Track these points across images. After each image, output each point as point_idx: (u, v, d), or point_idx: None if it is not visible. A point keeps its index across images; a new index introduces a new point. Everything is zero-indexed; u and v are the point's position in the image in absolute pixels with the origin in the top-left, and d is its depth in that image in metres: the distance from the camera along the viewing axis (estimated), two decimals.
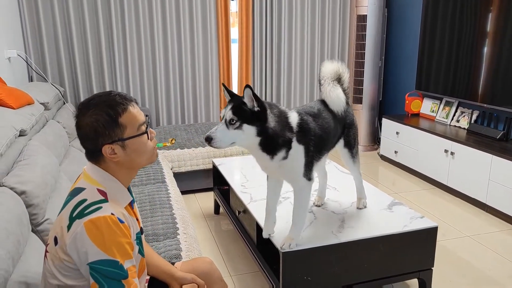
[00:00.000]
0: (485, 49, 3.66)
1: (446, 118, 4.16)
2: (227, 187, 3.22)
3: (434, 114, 4.33)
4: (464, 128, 3.92)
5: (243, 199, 2.51)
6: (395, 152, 4.41)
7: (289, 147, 1.78)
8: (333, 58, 5.07)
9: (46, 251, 1.27)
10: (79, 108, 1.26)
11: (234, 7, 4.79)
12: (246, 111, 1.66)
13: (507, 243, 2.90)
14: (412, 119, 4.41)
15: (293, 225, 1.95)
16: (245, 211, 2.54)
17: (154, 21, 4.40)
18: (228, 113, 1.65)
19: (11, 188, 1.80)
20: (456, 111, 4.10)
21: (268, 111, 1.72)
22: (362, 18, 4.79)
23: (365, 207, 2.31)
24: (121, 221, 1.19)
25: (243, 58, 4.79)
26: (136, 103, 1.30)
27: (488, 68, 3.64)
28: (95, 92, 4.36)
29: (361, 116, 4.95)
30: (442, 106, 4.25)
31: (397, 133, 4.33)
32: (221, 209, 3.37)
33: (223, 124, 1.66)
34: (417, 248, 2.16)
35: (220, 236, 3.03)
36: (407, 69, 4.79)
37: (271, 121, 1.71)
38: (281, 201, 2.46)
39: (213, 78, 4.76)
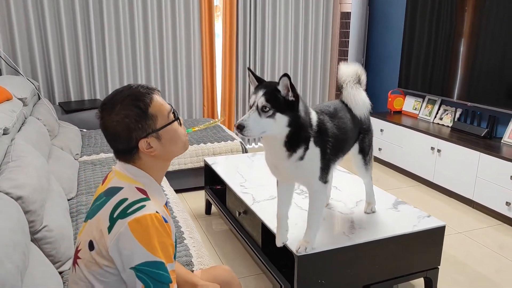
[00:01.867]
0: (467, 48, 3.73)
1: (429, 116, 4.23)
2: (220, 187, 3.13)
3: (416, 112, 4.39)
4: (448, 126, 4.00)
5: (245, 200, 2.43)
6: (379, 149, 4.44)
7: (307, 147, 1.70)
8: (316, 54, 5.05)
9: (77, 258, 1.16)
10: (102, 108, 1.17)
11: (217, 0, 4.67)
12: (279, 99, 1.58)
13: (498, 239, 2.97)
14: (395, 116, 4.46)
15: (308, 228, 1.89)
16: (246, 212, 2.46)
17: (135, 14, 4.20)
18: (261, 100, 1.56)
19: (7, 194, 1.64)
20: (439, 109, 4.17)
21: (301, 100, 1.66)
22: (345, 15, 4.79)
23: (373, 212, 2.27)
24: (166, 221, 1.12)
25: (226, 53, 4.68)
26: (159, 91, 1.23)
27: (471, 66, 3.72)
28: (71, 87, 4.12)
29: None
30: (425, 104, 4.32)
31: (381, 130, 4.36)
32: (213, 209, 3.27)
33: (255, 111, 1.56)
34: (426, 247, 2.16)
35: (214, 237, 2.94)
36: (390, 66, 4.84)
37: (302, 111, 1.65)
38: None
39: (196, 73, 4.63)
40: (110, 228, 1.08)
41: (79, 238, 1.21)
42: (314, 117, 1.75)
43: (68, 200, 2.45)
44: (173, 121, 1.20)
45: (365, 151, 2.14)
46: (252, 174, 2.83)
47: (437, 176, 3.74)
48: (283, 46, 4.91)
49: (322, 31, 5.02)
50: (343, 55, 4.87)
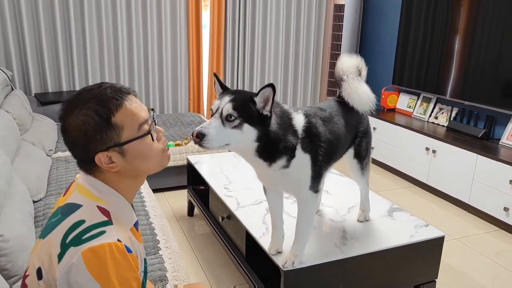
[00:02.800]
0: (464, 45, 3.57)
1: (424, 114, 4.07)
2: (203, 187, 2.94)
3: (411, 110, 4.23)
4: (443, 126, 3.85)
5: (229, 204, 2.24)
6: (372, 148, 4.27)
7: (291, 155, 1.51)
8: (308, 48, 4.85)
9: (24, 285, 0.97)
10: (63, 107, 0.97)
11: None
12: (251, 110, 1.37)
13: (495, 246, 2.82)
14: (388, 114, 4.30)
15: (296, 241, 1.71)
16: (230, 217, 2.28)
17: (117, 1, 3.96)
18: (227, 107, 1.34)
19: None
20: (434, 107, 4.01)
21: (273, 116, 1.44)
22: (339, 8, 4.59)
23: (367, 220, 2.10)
24: (129, 251, 0.92)
25: (214, 45, 4.46)
26: (135, 95, 1.01)
27: (468, 64, 3.56)
28: (48, 78, 3.88)
29: None
30: (419, 102, 4.16)
31: (374, 128, 4.20)
32: (196, 211, 3.08)
33: (217, 118, 1.34)
34: (423, 259, 2.00)
35: (196, 240, 2.75)
36: (384, 62, 4.67)
37: (273, 124, 1.43)
38: None
39: (182, 65, 4.41)
40: (60, 256, 0.89)
41: (30, 258, 1.02)
42: (300, 121, 1.55)
43: (35, 202, 2.24)
44: (142, 136, 0.99)
45: (361, 156, 1.96)
46: (237, 176, 2.64)
47: (431, 177, 3.59)
48: (274, 38, 4.70)
49: (314, 24, 4.82)
50: (336, 50, 4.68)
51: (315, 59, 4.94)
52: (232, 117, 1.34)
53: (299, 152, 1.52)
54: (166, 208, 3.17)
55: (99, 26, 3.98)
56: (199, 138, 1.30)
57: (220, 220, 2.36)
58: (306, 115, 1.58)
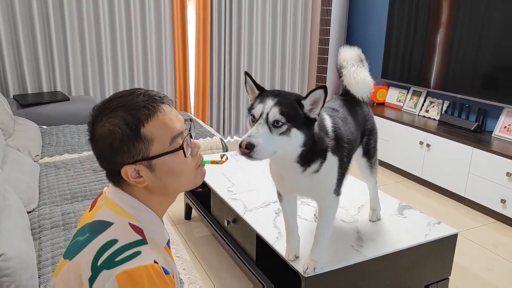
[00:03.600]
0: (454, 38, 3.58)
1: (414, 108, 4.08)
2: (201, 189, 2.85)
3: (401, 104, 4.24)
4: (435, 119, 3.86)
5: (235, 208, 2.16)
6: None
7: (324, 158, 1.44)
8: (295, 43, 4.79)
9: None
10: (93, 114, 0.89)
11: None
12: (299, 114, 1.26)
13: (493, 238, 2.85)
14: (378, 108, 4.29)
15: (316, 245, 1.65)
16: (236, 220, 2.20)
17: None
18: (273, 112, 1.22)
19: None
20: (424, 101, 4.02)
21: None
22: (326, 2, 4.54)
23: (378, 219, 2.06)
24: (166, 272, 0.84)
25: (200, 41, 4.34)
26: (170, 104, 0.91)
27: (459, 57, 3.58)
28: (27, 78, 3.68)
29: None
30: (409, 95, 4.16)
31: None
32: (193, 214, 2.98)
33: (264, 125, 1.22)
34: (437, 257, 1.97)
35: (196, 244, 2.66)
36: (372, 56, 4.64)
37: (316, 125, 1.36)
38: (280, 209, 2.14)
39: (167, 63, 4.27)
40: (92, 280, 0.80)
41: (53, 280, 0.92)
42: (329, 123, 1.49)
43: (29, 212, 2.10)
44: (174, 151, 0.89)
45: (370, 154, 1.91)
46: (239, 177, 2.55)
47: (426, 171, 3.60)
48: (260, 33, 4.61)
49: (301, 18, 4.75)
50: (324, 44, 4.63)
51: (302, 53, 4.88)
52: (280, 122, 1.23)
53: (329, 155, 1.45)
54: None
55: (80, 23, 3.80)
56: (248, 149, 1.18)
57: (226, 224, 2.27)
58: (330, 116, 1.52)
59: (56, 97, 3.61)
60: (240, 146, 1.19)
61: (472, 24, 3.45)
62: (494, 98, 3.34)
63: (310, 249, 1.67)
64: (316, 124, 1.34)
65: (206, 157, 1.02)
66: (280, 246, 1.80)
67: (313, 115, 1.29)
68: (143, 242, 0.85)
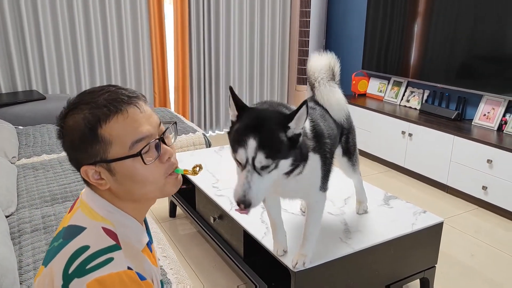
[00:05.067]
0: (432, 27, 3.61)
1: (395, 98, 4.10)
2: (186, 186, 2.80)
3: (382, 94, 4.26)
4: (415, 108, 3.89)
5: (221, 204, 2.13)
6: None
7: (305, 160, 1.36)
8: (273, 36, 4.76)
9: None
10: (63, 109, 0.86)
11: None
12: (283, 143, 1.15)
13: (477, 225, 2.89)
14: (359, 99, 4.30)
15: (305, 240, 1.63)
16: (222, 217, 2.17)
17: None
18: (258, 159, 1.12)
19: None
20: (405, 91, 4.05)
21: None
22: None
23: (366, 212, 2.04)
24: (142, 278, 0.80)
25: (178, 35, 4.27)
26: (138, 106, 0.85)
27: (439, 47, 3.61)
28: (0, 78, 3.55)
29: (306, 97, 4.74)
30: (390, 86, 4.19)
31: None
32: (178, 211, 2.94)
33: (253, 172, 1.13)
34: (424, 246, 1.99)
35: (182, 242, 2.62)
36: (352, 48, 4.66)
37: (300, 137, 1.25)
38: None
39: (145, 57, 4.20)
40: None
41: (35, 285, 0.88)
42: (307, 123, 1.42)
43: (7, 216, 2.03)
44: (131, 156, 0.82)
45: (350, 152, 1.88)
46: (223, 173, 2.52)
47: (408, 161, 3.63)
48: (238, 25, 4.56)
49: (279, 9, 4.72)
50: (304, 36, 4.61)
51: (281, 45, 4.86)
52: (268, 165, 1.14)
53: (310, 155, 1.41)
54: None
55: (54, 18, 3.68)
56: (246, 205, 1.11)
57: (212, 221, 2.24)
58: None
59: (31, 96, 3.51)
60: (238, 204, 1.13)
61: (450, 13, 3.48)
62: (473, 86, 3.38)
63: (300, 244, 1.65)
64: (300, 137, 1.24)
65: (182, 166, 0.94)
66: (268, 242, 1.78)
67: (297, 131, 1.20)
68: (116, 247, 0.80)
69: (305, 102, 1.14)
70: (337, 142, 1.76)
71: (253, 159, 1.12)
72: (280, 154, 1.15)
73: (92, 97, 0.83)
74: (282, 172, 1.22)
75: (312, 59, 1.76)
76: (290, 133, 1.17)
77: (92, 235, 0.81)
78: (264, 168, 1.14)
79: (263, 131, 1.13)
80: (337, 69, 1.80)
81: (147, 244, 0.92)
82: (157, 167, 0.85)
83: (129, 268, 0.78)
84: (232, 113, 1.22)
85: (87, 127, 0.80)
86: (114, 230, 0.83)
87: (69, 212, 0.92)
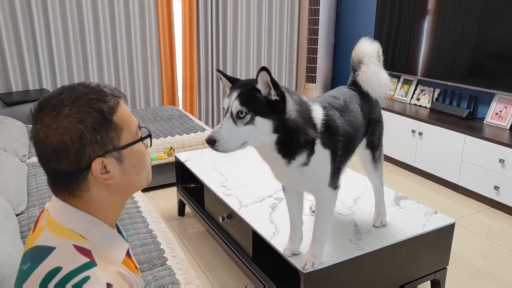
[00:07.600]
0: (444, 26, 3.56)
1: (405, 97, 4.06)
2: (195, 185, 2.81)
3: (391, 93, 4.22)
4: (426, 107, 3.85)
5: (230, 204, 2.12)
6: None
7: (311, 151, 1.40)
8: (281, 34, 4.73)
9: None
10: (40, 107, 0.78)
11: None
12: (259, 100, 1.28)
13: (487, 225, 2.85)
14: None
15: (314, 241, 1.62)
16: (231, 216, 2.16)
17: None
18: (235, 104, 1.26)
19: None
20: (415, 89, 4.01)
21: (288, 98, 1.33)
22: None
23: (383, 225, 1.92)
24: None
25: (186, 33, 4.26)
26: (125, 98, 0.87)
27: (450, 45, 3.56)
28: (11, 76, 3.58)
29: (315, 96, 4.71)
30: (400, 84, 4.15)
31: None
32: (187, 210, 2.94)
33: (229, 119, 1.27)
34: (435, 247, 1.96)
35: (190, 242, 2.62)
36: None
37: (292, 111, 1.33)
38: (276, 203, 2.12)
39: (154, 56, 4.19)
40: None
41: None
42: (318, 114, 1.44)
43: (17, 215, 2.04)
44: (143, 138, 0.87)
45: (374, 146, 1.86)
46: (233, 172, 2.51)
47: (418, 160, 3.59)
48: (245, 22, 4.54)
49: (287, 6, 4.69)
50: (313, 34, 4.58)
51: (289, 43, 4.84)
52: (243, 113, 1.26)
53: (318, 147, 1.42)
54: (154, 209, 3.00)
55: (64, 17, 3.70)
56: (211, 144, 1.24)
57: (220, 220, 2.24)
58: (324, 107, 1.48)
59: (42, 95, 3.52)
60: (206, 141, 1.25)
61: (460, 10, 3.43)
62: (485, 85, 3.33)
63: (309, 244, 1.64)
64: (291, 108, 1.33)
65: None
66: (277, 242, 1.77)
67: (273, 97, 1.28)
68: (91, 264, 0.76)
69: (262, 68, 1.25)
70: (359, 137, 1.72)
71: (231, 107, 1.27)
72: (254, 108, 1.26)
73: (87, 90, 0.79)
74: (263, 133, 1.30)
75: (362, 43, 1.83)
76: (265, 93, 1.28)
77: (63, 255, 0.76)
78: (240, 117, 1.26)
79: (242, 87, 1.30)
80: (381, 55, 1.86)
81: (127, 251, 0.89)
82: (148, 154, 0.91)
83: (108, 284, 0.74)
84: (227, 87, 1.36)
85: (103, 114, 0.78)
86: (88, 246, 0.79)
87: (33, 232, 0.85)
